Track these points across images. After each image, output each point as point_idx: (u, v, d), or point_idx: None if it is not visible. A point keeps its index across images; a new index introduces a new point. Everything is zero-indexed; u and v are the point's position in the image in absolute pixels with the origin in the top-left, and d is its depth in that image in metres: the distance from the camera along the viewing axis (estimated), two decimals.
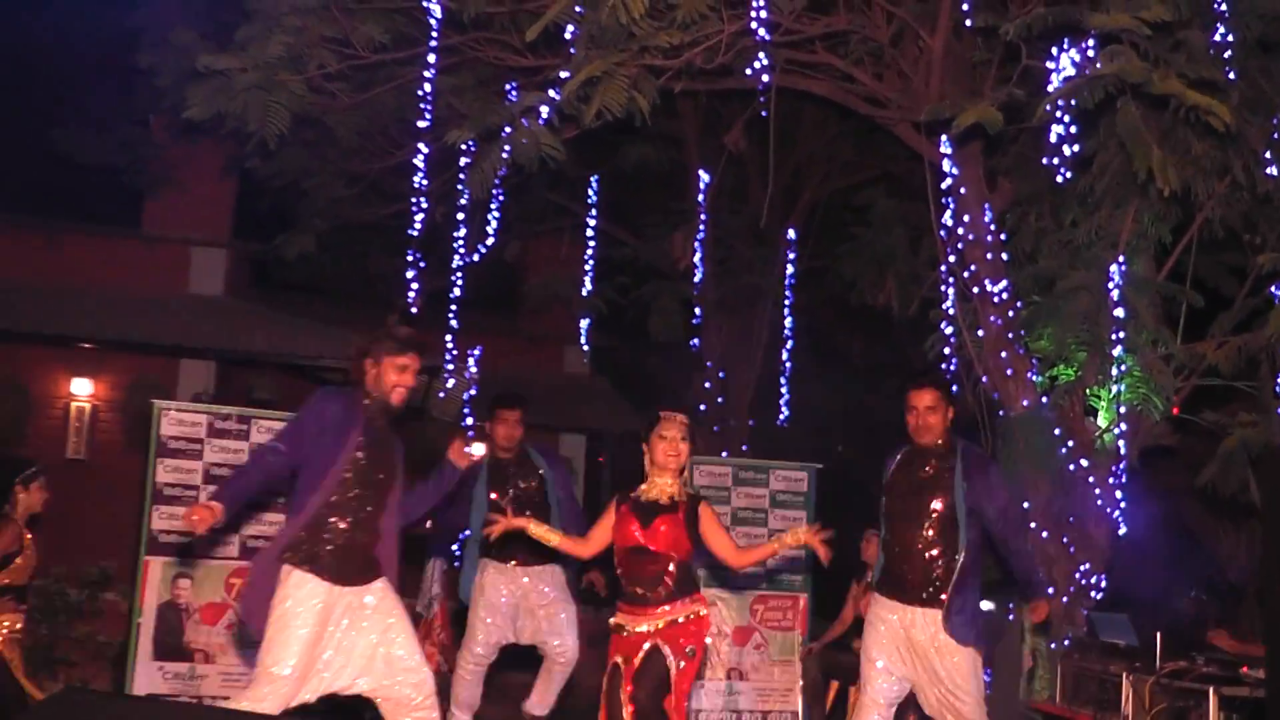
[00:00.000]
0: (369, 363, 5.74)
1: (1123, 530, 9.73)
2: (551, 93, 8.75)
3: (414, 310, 12.87)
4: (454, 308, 13.52)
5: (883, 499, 6.49)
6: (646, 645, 6.00)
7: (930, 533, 6.25)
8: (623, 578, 6.19)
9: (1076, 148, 8.84)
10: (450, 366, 13.77)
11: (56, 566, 11.02)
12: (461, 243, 13.15)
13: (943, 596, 6.19)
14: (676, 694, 6.03)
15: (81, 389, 14.11)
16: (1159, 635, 7.68)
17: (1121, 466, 9.71)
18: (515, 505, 7.68)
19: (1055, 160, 8.91)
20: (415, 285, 12.75)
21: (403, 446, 5.98)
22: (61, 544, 11.14)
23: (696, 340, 16.16)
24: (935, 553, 6.25)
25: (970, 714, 6.14)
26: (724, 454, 13.61)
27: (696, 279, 15.12)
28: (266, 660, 5.45)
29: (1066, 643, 9.03)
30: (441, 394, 13.43)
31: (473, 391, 14.38)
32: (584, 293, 16.31)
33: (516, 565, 8.29)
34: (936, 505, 6.26)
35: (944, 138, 9.79)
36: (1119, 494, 9.70)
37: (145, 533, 8.76)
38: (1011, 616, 9.70)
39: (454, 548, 10.20)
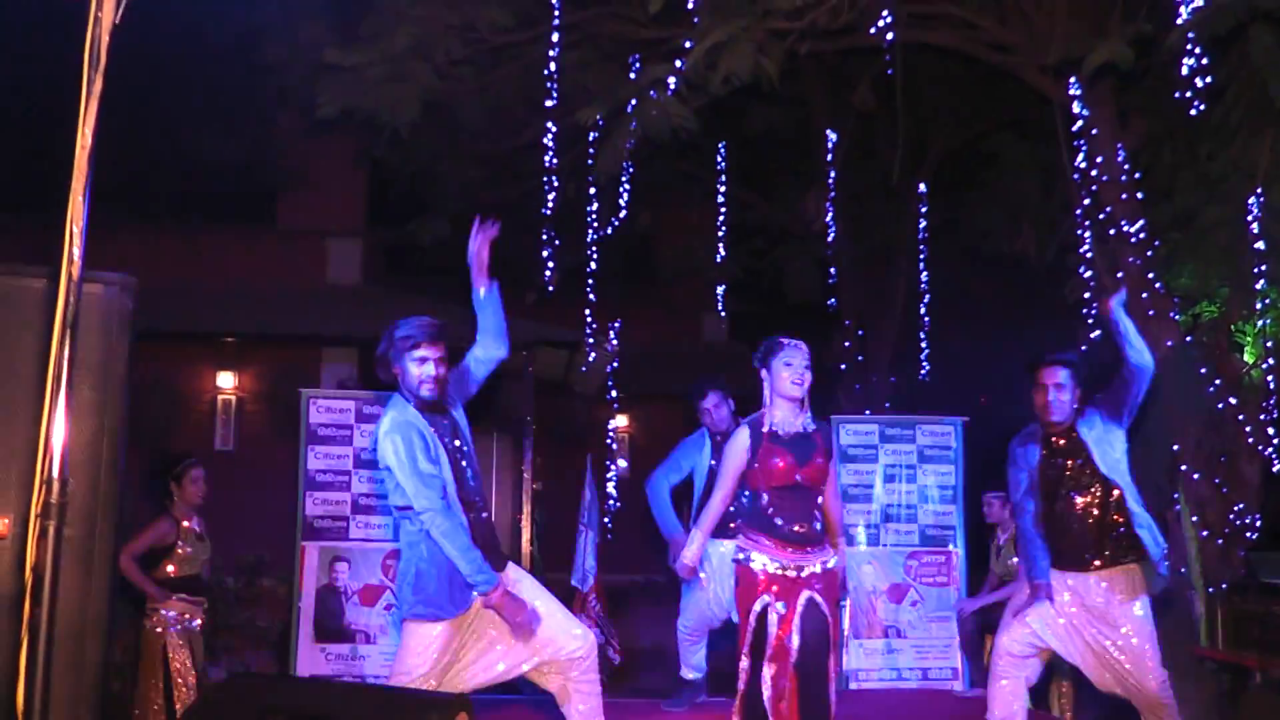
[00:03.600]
0: (395, 366, 5.34)
1: (1276, 467, 9.57)
2: (676, 63, 8.80)
3: (550, 288, 13.01)
4: (591, 282, 13.65)
5: (1034, 483, 6.29)
6: (805, 595, 5.59)
7: (1089, 502, 6.11)
8: (774, 516, 5.69)
9: (1209, 79, 8.70)
10: (590, 340, 13.88)
11: (213, 556, 11.35)
12: (594, 217, 13.26)
13: (1108, 552, 6.08)
14: (835, 649, 5.71)
15: (227, 382, 14.46)
16: None
17: (1271, 402, 9.54)
18: None
19: (1187, 93, 8.77)
20: (550, 263, 12.88)
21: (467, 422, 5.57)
22: (215, 534, 11.51)
23: (833, 300, 16.15)
24: (1096, 519, 6.11)
25: (1154, 670, 5.95)
26: (867, 412, 13.59)
27: (830, 238, 15.09)
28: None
29: (1224, 586, 8.91)
30: (584, 368, 13.56)
31: (614, 365, 14.50)
32: (718, 259, 16.38)
33: None
34: (1085, 477, 6.11)
35: (1073, 79, 9.68)
36: (1270, 430, 9.54)
37: (301, 519, 8.97)
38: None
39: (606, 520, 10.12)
